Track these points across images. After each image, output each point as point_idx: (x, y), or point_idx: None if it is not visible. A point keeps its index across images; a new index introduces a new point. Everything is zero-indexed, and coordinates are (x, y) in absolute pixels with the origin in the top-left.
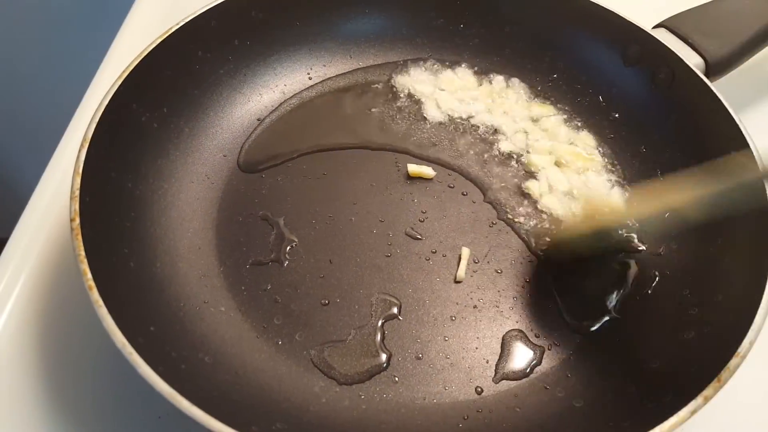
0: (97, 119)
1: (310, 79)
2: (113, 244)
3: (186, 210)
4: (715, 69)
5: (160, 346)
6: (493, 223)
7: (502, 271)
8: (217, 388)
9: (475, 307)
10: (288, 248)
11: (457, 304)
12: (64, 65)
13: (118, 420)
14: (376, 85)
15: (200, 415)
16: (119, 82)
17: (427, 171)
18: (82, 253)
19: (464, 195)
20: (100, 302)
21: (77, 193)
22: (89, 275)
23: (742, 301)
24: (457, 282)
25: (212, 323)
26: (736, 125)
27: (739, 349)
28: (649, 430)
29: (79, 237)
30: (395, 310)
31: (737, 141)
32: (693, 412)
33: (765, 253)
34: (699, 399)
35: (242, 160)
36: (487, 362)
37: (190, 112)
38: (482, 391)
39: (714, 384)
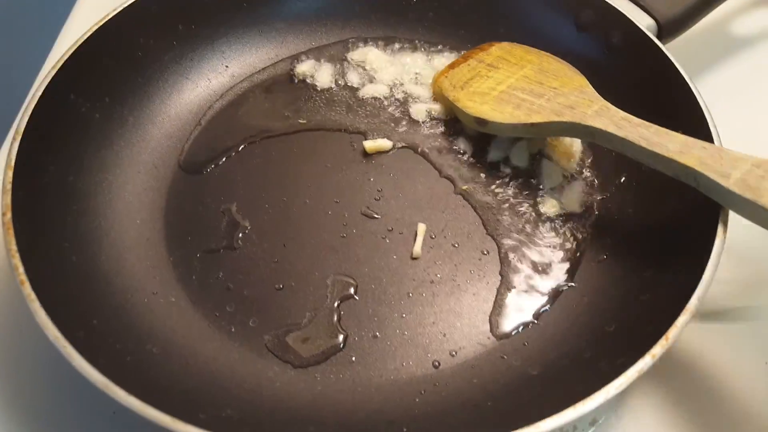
0: (29, 112)
1: (260, 61)
2: (53, 239)
3: (133, 201)
4: (668, 30)
5: (103, 339)
6: (449, 197)
7: (458, 245)
8: (165, 378)
9: (432, 282)
10: (240, 234)
11: (413, 280)
12: (14, 56)
13: (70, 417)
14: (328, 65)
15: (137, 404)
16: (53, 73)
17: (383, 143)
18: (14, 247)
19: (420, 170)
20: (33, 296)
21: (9, 187)
22: (21, 269)
23: (693, 258)
24: (413, 258)
25: (161, 314)
26: (688, 87)
27: (687, 306)
28: (597, 390)
29: (11, 231)
30: (351, 290)
31: (689, 103)
32: (641, 371)
33: (715, 210)
34: (647, 357)
35: (185, 160)
36: (444, 336)
37: (135, 101)
38: (439, 364)
39: (662, 342)
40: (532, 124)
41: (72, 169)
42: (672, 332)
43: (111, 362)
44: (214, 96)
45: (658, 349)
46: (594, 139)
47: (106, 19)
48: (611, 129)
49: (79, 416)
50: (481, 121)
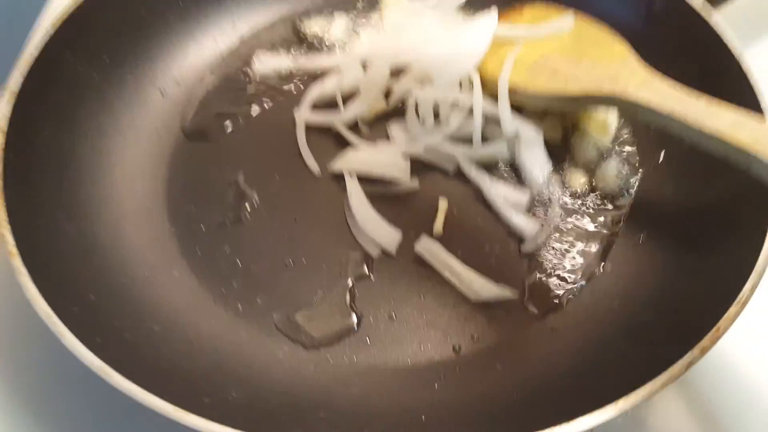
0: (24, 71)
1: (269, 18)
2: (47, 207)
3: (133, 168)
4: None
5: (101, 316)
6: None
7: (482, 224)
8: (166, 359)
9: None
10: (248, 207)
11: None
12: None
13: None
14: (339, 20)
15: (136, 390)
16: (51, 31)
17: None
18: (3, 216)
19: None
20: (22, 269)
21: (0, 152)
22: (11, 240)
23: (743, 244)
24: (434, 236)
25: (163, 290)
26: (738, 59)
27: (739, 296)
28: (638, 387)
29: (1, 199)
30: (366, 268)
31: (739, 76)
32: (689, 365)
33: None
34: (695, 351)
35: (188, 126)
36: (466, 319)
37: (136, 62)
38: (460, 349)
39: (712, 334)
40: (568, 96)
41: (67, 132)
42: (723, 324)
43: (108, 341)
44: (220, 57)
45: (707, 342)
46: (636, 114)
47: None
48: (656, 103)
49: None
50: (512, 90)
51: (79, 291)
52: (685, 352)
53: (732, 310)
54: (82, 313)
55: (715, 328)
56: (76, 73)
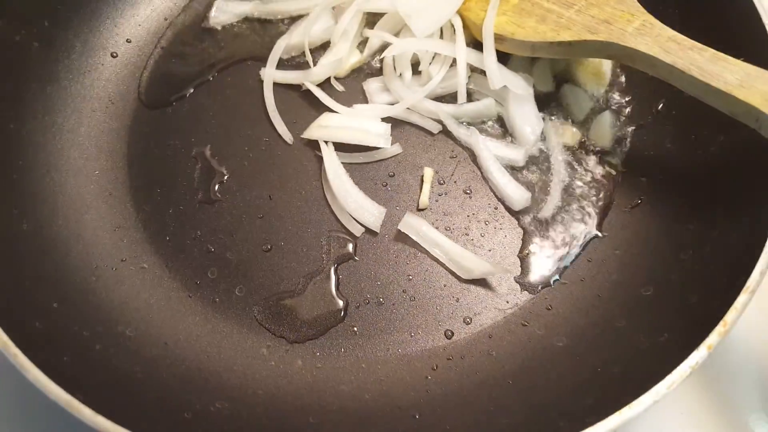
0: None
1: None
2: None
3: (89, 147)
4: None
5: (67, 327)
6: (459, 133)
7: (471, 192)
8: (142, 369)
9: None
10: (217, 185)
11: None
12: None
13: None
14: None
15: (106, 425)
16: None
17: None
18: None
19: None
20: None
21: None
22: None
23: (752, 213)
24: (420, 210)
25: (133, 286)
26: (751, 3)
27: (748, 283)
28: (639, 395)
29: None
30: (350, 248)
31: (751, 22)
32: (693, 368)
33: None
34: (701, 349)
35: (146, 92)
36: (458, 300)
37: (81, 22)
38: (453, 334)
39: (719, 329)
40: (560, 43)
41: (11, 113)
42: (730, 315)
43: (77, 357)
44: (176, 9)
45: (714, 338)
46: (633, 63)
47: None
48: (655, 52)
49: None
50: (498, 38)
51: (41, 300)
52: (690, 351)
53: (740, 299)
54: (46, 329)
55: (721, 323)
56: (12, 42)
